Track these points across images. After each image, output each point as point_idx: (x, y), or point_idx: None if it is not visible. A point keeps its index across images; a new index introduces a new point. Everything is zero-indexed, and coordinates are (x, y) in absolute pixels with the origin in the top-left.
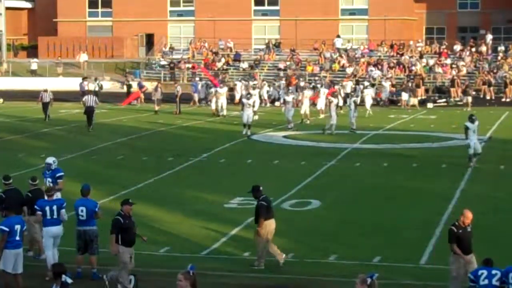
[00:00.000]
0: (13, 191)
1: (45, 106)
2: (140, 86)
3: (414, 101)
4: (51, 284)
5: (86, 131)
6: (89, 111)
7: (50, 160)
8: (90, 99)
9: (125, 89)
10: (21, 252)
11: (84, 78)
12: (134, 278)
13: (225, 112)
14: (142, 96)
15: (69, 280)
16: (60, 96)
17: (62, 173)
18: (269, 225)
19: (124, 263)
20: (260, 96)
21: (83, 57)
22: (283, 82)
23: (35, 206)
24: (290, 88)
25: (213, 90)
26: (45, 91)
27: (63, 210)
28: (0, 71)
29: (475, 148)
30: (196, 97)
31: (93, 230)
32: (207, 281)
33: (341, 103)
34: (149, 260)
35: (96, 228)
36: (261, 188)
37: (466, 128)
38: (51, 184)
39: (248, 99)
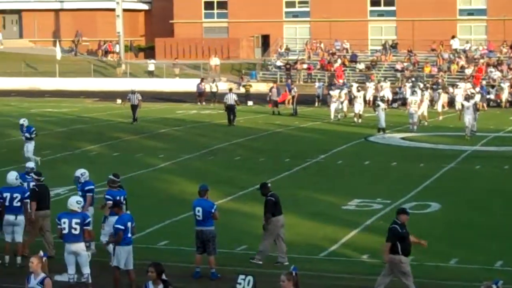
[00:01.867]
0: (43, 186)
1: (134, 108)
2: (289, 88)
3: None
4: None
5: (207, 131)
6: (230, 109)
7: (78, 173)
8: (230, 97)
9: (241, 90)
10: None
11: (201, 80)
12: (252, 279)
13: (339, 115)
14: (290, 97)
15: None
16: (177, 97)
17: (92, 187)
18: (277, 221)
19: (405, 273)
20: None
21: (214, 61)
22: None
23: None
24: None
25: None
26: (133, 92)
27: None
28: (118, 72)
29: None
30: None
31: (210, 230)
32: (325, 283)
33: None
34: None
35: (213, 228)
36: (269, 185)
37: None
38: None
39: (382, 100)
